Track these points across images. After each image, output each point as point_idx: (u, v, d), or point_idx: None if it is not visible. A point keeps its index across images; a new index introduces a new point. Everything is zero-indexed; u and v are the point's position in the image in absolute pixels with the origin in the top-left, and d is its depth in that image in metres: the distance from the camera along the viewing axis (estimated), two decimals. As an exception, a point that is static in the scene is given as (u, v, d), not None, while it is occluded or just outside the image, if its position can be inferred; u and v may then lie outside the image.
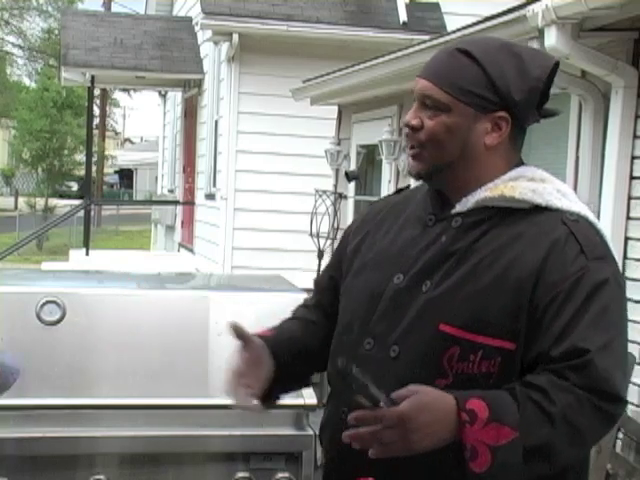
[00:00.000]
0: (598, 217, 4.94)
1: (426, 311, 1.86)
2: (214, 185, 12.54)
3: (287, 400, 3.36)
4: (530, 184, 1.90)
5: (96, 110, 29.57)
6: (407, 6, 11.86)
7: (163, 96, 17.76)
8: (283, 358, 2.06)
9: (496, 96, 1.88)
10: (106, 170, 39.37)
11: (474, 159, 1.91)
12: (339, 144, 9.55)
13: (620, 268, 5.16)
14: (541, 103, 1.94)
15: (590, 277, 1.78)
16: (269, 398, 2.09)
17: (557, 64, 1.94)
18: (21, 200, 31.67)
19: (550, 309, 1.77)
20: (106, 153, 33.59)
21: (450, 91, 1.88)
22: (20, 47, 36.35)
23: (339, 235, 8.92)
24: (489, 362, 1.79)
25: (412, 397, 1.69)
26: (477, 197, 1.91)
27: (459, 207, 1.92)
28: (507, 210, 1.88)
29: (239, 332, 1.99)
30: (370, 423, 1.68)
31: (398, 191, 2.19)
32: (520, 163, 1.97)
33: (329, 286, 2.17)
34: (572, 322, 1.75)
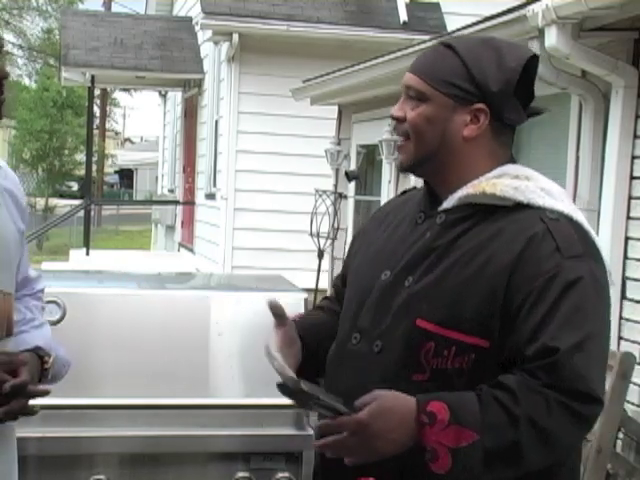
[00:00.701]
0: (598, 217, 4.93)
1: (406, 306, 1.89)
2: (214, 185, 12.54)
3: (287, 400, 3.36)
4: (513, 182, 1.91)
5: (96, 110, 29.56)
6: (407, 6, 11.85)
7: (163, 96, 17.76)
8: (310, 342, 2.10)
9: (474, 87, 1.91)
10: (106, 170, 39.36)
11: (454, 151, 1.94)
12: (339, 144, 9.55)
13: (620, 268, 5.15)
14: (526, 102, 1.96)
15: (564, 275, 1.77)
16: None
17: (535, 57, 1.96)
18: (21, 200, 31.61)
19: (523, 307, 1.77)
20: (106, 152, 33.57)
21: (429, 81, 1.92)
22: (20, 47, 36.36)
23: (339, 235, 8.93)
24: (462, 358, 1.81)
25: (372, 403, 1.73)
26: (460, 194, 1.93)
27: (445, 204, 1.95)
28: (490, 207, 1.89)
29: (277, 310, 2.03)
30: (334, 432, 1.73)
31: (403, 192, 2.22)
32: (510, 162, 1.98)
33: (343, 284, 2.21)
34: (544, 320, 1.74)
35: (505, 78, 1.90)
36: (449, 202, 1.94)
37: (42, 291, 2.38)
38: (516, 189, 1.89)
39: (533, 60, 1.95)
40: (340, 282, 2.23)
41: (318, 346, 2.10)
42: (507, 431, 1.69)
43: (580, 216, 1.91)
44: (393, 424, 1.72)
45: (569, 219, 1.87)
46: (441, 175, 1.96)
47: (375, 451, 1.73)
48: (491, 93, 1.90)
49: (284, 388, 1.80)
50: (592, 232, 1.91)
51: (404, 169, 2.02)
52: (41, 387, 2.12)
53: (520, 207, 1.88)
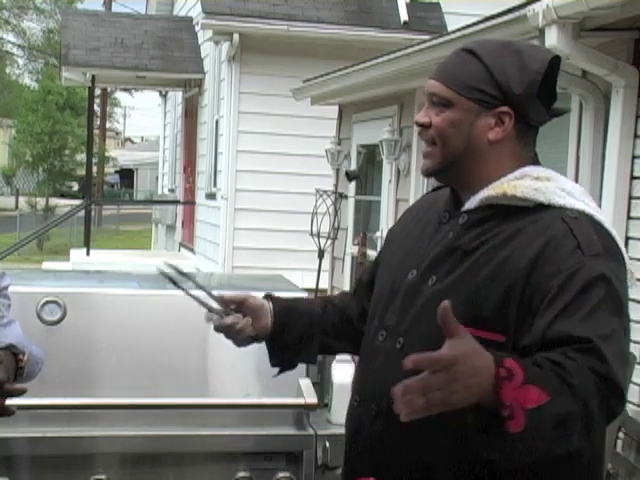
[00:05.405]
0: (598, 217, 4.92)
1: (429, 305, 1.91)
2: (215, 185, 12.54)
3: (287, 400, 3.36)
4: (534, 183, 1.93)
5: (97, 110, 29.54)
6: (408, 6, 11.85)
7: (164, 96, 17.76)
8: (287, 323, 2.24)
9: (497, 91, 1.93)
10: (107, 170, 39.35)
11: (479, 155, 1.96)
12: (339, 144, 9.54)
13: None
14: (550, 102, 1.98)
15: (584, 272, 1.78)
16: (282, 361, 2.31)
17: (557, 58, 1.98)
18: (22, 200, 31.68)
19: (544, 301, 1.76)
20: (107, 154, 33.52)
21: (453, 87, 1.94)
22: (20, 47, 36.34)
23: (339, 235, 8.92)
24: None
25: (461, 340, 1.60)
26: (482, 195, 1.95)
27: (468, 204, 1.98)
28: (512, 208, 1.91)
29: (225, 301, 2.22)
30: (424, 365, 1.57)
31: (435, 189, 2.24)
32: (533, 162, 2.00)
33: (367, 281, 2.27)
34: (565, 312, 1.72)
35: (528, 80, 1.92)
36: (471, 203, 1.97)
37: (7, 288, 2.33)
38: (537, 190, 1.91)
39: (555, 61, 1.97)
40: (366, 277, 2.28)
41: (298, 331, 2.24)
42: (566, 397, 1.62)
43: (601, 216, 1.93)
44: (477, 368, 1.59)
45: (589, 218, 1.89)
46: (465, 178, 1.98)
47: (449, 396, 1.57)
48: (515, 96, 1.92)
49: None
50: (613, 232, 1.93)
51: (429, 175, 2.04)
52: (18, 386, 2.07)
53: (541, 208, 1.89)
